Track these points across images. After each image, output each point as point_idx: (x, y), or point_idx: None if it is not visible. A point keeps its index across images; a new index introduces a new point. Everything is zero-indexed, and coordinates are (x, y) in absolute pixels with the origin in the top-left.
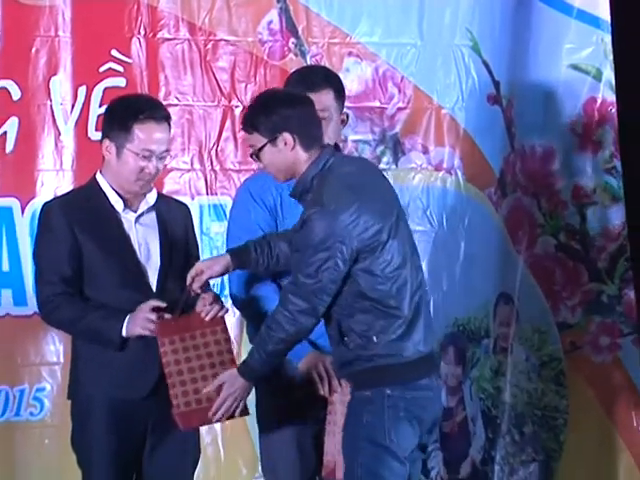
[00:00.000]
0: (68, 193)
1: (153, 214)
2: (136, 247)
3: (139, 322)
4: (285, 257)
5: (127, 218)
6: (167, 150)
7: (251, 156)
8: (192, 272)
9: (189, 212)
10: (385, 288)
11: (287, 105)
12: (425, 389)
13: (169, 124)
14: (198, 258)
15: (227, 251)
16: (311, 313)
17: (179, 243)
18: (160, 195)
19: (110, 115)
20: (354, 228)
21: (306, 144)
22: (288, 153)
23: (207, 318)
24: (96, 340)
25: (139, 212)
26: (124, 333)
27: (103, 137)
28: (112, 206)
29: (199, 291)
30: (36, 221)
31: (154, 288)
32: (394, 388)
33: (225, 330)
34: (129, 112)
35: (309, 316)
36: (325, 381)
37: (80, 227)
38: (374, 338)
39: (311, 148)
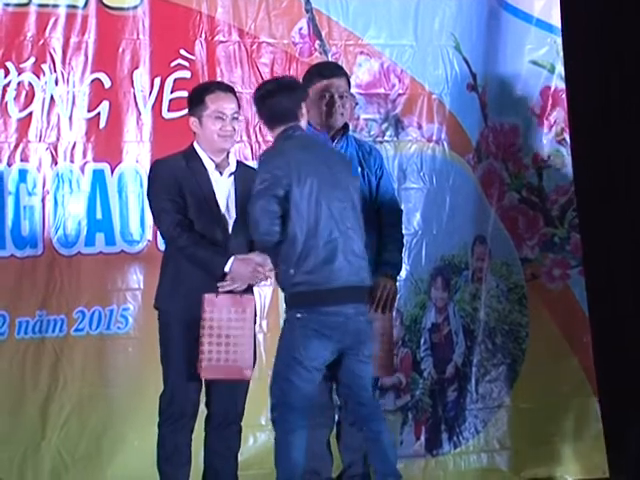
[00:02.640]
0: (172, 155)
1: (232, 178)
2: (219, 200)
3: (250, 273)
4: None
5: (215, 177)
6: (237, 112)
7: None
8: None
9: None
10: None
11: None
12: (334, 315)
13: (234, 94)
14: None
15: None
16: (260, 230)
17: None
18: (239, 163)
19: (189, 99)
20: (287, 169)
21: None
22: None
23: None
24: (203, 268)
25: (224, 175)
26: (226, 269)
27: (189, 115)
28: (205, 167)
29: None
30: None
31: (230, 233)
32: (302, 312)
33: (252, 311)
34: (201, 90)
35: (260, 233)
36: None
37: (181, 177)
38: (291, 271)
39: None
